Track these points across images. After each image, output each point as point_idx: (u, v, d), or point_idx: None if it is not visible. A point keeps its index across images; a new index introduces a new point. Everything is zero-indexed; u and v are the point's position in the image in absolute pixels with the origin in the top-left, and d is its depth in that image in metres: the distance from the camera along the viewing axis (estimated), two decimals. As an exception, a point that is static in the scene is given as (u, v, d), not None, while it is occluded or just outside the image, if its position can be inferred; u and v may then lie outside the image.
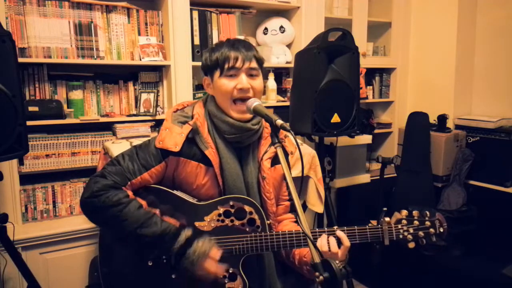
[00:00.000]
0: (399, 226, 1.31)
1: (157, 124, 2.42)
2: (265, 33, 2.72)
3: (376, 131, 3.18)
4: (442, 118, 2.85)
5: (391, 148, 3.32)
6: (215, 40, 2.49)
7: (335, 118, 2.15)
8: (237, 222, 1.29)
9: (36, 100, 2.13)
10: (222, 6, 2.53)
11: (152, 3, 2.45)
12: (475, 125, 2.83)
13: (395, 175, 2.88)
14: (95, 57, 2.23)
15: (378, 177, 2.36)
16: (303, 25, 2.72)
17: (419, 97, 3.24)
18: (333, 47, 2.14)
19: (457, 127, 2.94)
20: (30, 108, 2.02)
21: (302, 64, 2.25)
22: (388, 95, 3.29)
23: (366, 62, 3.01)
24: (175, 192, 1.33)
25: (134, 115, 2.38)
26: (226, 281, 1.27)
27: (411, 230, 1.30)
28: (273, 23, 2.71)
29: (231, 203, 1.29)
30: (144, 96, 2.37)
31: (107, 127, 2.30)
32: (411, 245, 1.30)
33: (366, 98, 3.09)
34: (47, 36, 2.10)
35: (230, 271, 1.28)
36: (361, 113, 2.75)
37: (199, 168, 1.31)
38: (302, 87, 2.22)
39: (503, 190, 2.64)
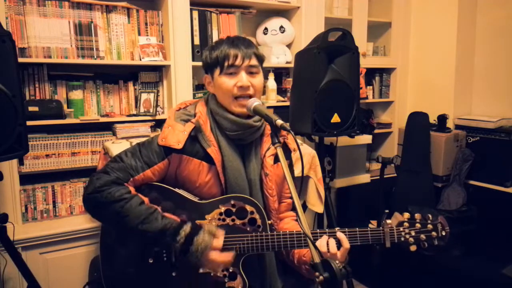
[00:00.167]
0: (401, 229, 1.30)
1: (157, 124, 2.42)
2: (265, 33, 2.72)
3: (376, 131, 3.18)
4: (442, 118, 2.85)
5: (391, 148, 3.32)
6: (215, 40, 2.48)
7: (335, 118, 2.15)
8: (238, 222, 1.29)
9: (36, 100, 2.13)
10: (222, 6, 2.53)
11: (152, 3, 2.45)
12: (475, 125, 2.83)
13: (395, 175, 2.88)
14: (95, 57, 2.23)
15: (378, 177, 2.36)
16: (303, 25, 2.72)
17: (419, 97, 3.24)
18: (333, 47, 2.14)
19: (457, 127, 2.94)
20: (30, 108, 2.02)
21: (302, 64, 2.25)
22: (388, 95, 3.29)
23: (366, 62, 3.01)
24: (176, 190, 1.33)
25: (134, 115, 2.38)
26: (226, 280, 1.28)
27: (413, 233, 1.30)
28: (273, 23, 2.71)
29: (232, 202, 1.29)
30: (144, 96, 2.37)
31: (107, 127, 2.30)
32: (413, 248, 1.30)
33: (366, 98, 3.09)
34: (47, 36, 2.10)
35: (230, 270, 1.28)
36: (361, 113, 2.75)
37: (202, 166, 1.32)
38: (302, 87, 2.22)
39: (503, 190, 2.64)
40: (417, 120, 2.87)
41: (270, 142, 1.35)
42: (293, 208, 1.48)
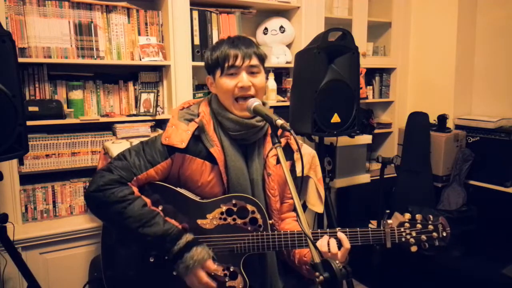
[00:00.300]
0: (402, 229, 1.30)
1: (157, 124, 2.42)
2: (265, 33, 2.72)
3: (376, 131, 3.18)
4: (442, 118, 2.85)
5: (391, 148, 3.32)
6: (215, 40, 2.49)
7: (335, 118, 2.15)
8: (239, 221, 1.29)
9: (36, 100, 2.13)
10: (222, 6, 2.53)
11: (152, 3, 2.45)
12: (475, 125, 2.83)
13: (395, 175, 2.88)
14: (95, 57, 2.23)
15: (378, 177, 2.36)
16: (303, 25, 2.72)
17: (419, 97, 3.23)
18: (333, 47, 2.14)
19: (457, 127, 2.94)
20: (30, 108, 2.02)
21: (302, 64, 2.25)
22: (388, 95, 3.29)
23: (366, 62, 3.01)
24: (178, 189, 1.34)
25: (134, 115, 2.37)
26: (227, 280, 1.28)
27: (414, 234, 1.30)
28: (273, 23, 2.71)
29: (233, 201, 1.29)
30: (144, 96, 2.37)
31: (107, 127, 2.30)
32: (414, 248, 1.30)
33: (366, 98, 3.09)
34: (47, 36, 2.10)
35: (231, 270, 1.28)
36: (361, 113, 2.75)
37: (204, 166, 1.32)
38: (302, 87, 2.22)
39: (503, 190, 2.64)
40: (417, 120, 2.87)
41: None
42: (294, 209, 1.48)
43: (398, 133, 3.21)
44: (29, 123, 1.71)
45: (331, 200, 2.37)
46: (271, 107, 2.61)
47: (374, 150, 3.37)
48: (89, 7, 2.21)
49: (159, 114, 2.38)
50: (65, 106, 2.20)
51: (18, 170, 2.03)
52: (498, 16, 2.85)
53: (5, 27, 1.57)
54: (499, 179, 2.67)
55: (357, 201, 2.88)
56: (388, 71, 3.26)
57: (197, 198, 1.33)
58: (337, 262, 0.91)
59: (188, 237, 1.22)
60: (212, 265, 1.24)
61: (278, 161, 1.38)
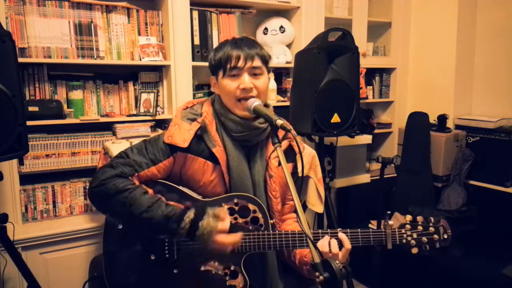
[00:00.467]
0: (403, 231, 1.31)
1: (157, 124, 2.42)
2: (265, 33, 2.71)
3: (376, 131, 3.18)
4: (442, 118, 2.85)
5: (391, 148, 3.32)
6: (215, 40, 2.49)
7: (335, 118, 2.15)
8: (240, 220, 1.30)
9: (36, 100, 2.13)
10: (222, 6, 2.53)
11: (152, 3, 2.45)
12: (475, 125, 2.83)
13: (395, 175, 2.88)
14: (95, 57, 2.23)
15: (378, 177, 2.36)
16: (303, 25, 2.72)
17: (419, 97, 3.23)
18: (333, 47, 2.14)
19: (457, 127, 2.94)
20: (30, 108, 2.02)
21: (302, 64, 2.25)
22: (388, 95, 3.29)
23: (366, 62, 3.01)
24: (180, 187, 1.35)
25: (134, 115, 2.37)
26: (227, 278, 1.28)
27: (415, 235, 1.30)
28: (273, 23, 2.71)
29: (235, 200, 1.30)
30: (144, 96, 2.37)
31: (107, 127, 2.30)
32: (414, 250, 1.30)
33: (366, 98, 3.09)
34: (47, 36, 2.10)
35: (232, 269, 1.28)
36: (361, 113, 2.75)
37: (206, 166, 1.33)
38: (302, 87, 2.22)
39: (503, 190, 2.64)
40: (417, 120, 2.87)
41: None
42: (295, 209, 1.48)
43: (398, 133, 3.21)
44: (29, 123, 1.71)
45: (331, 200, 2.37)
46: (271, 107, 2.61)
47: (374, 150, 3.37)
48: (89, 7, 2.21)
49: (159, 114, 2.38)
50: (65, 106, 2.20)
51: (18, 170, 2.03)
52: (498, 16, 2.85)
53: (5, 27, 1.57)
54: (499, 179, 2.67)
55: (357, 201, 2.88)
56: (388, 71, 3.26)
57: (199, 197, 1.33)
58: (337, 262, 0.91)
59: (189, 215, 1.21)
60: (225, 224, 1.23)
61: (280, 163, 1.38)
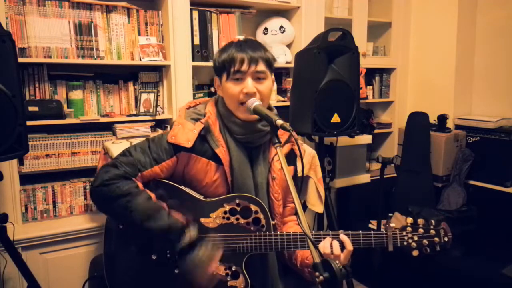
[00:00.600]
0: (404, 233, 1.31)
1: (157, 124, 2.42)
2: (265, 33, 2.71)
3: (376, 131, 3.18)
4: (442, 118, 2.85)
5: (391, 148, 3.32)
6: (215, 40, 2.49)
7: (335, 118, 2.15)
8: (242, 221, 1.30)
9: (36, 100, 2.13)
10: (222, 6, 2.53)
11: (152, 3, 2.45)
12: (475, 125, 2.83)
13: (395, 175, 2.88)
14: (95, 57, 2.23)
15: (378, 177, 2.36)
16: (303, 25, 2.72)
17: (419, 97, 3.23)
18: (333, 47, 2.14)
19: (457, 127, 2.94)
20: (30, 108, 2.02)
21: (302, 64, 2.25)
22: (388, 95, 3.29)
23: (366, 62, 3.01)
24: (182, 187, 1.34)
25: (134, 115, 2.37)
26: (229, 279, 1.28)
27: (416, 238, 1.31)
28: (273, 23, 2.71)
29: (237, 201, 1.30)
30: (144, 96, 2.37)
31: (107, 127, 2.30)
32: (415, 253, 1.30)
33: (366, 98, 3.09)
34: (47, 36, 2.10)
35: (233, 269, 1.28)
36: (361, 113, 2.75)
37: (209, 166, 1.33)
38: (302, 87, 2.21)
39: (503, 190, 2.64)
40: (417, 120, 2.87)
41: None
42: (295, 211, 1.49)
43: (398, 133, 3.21)
44: (29, 123, 1.71)
45: (331, 200, 2.37)
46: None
47: (374, 150, 3.37)
48: (89, 7, 2.21)
49: (159, 114, 2.38)
50: (65, 106, 2.20)
51: (18, 170, 2.03)
52: (498, 16, 2.85)
53: (5, 27, 1.57)
54: (499, 179, 2.67)
55: (357, 201, 2.88)
56: (388, 71, 3.26)
57: (201, 197, 1.33)
58: (337, 262, 0.91)
59: (191, 233, 1.21)
60: (219, 256, 1.24)
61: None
